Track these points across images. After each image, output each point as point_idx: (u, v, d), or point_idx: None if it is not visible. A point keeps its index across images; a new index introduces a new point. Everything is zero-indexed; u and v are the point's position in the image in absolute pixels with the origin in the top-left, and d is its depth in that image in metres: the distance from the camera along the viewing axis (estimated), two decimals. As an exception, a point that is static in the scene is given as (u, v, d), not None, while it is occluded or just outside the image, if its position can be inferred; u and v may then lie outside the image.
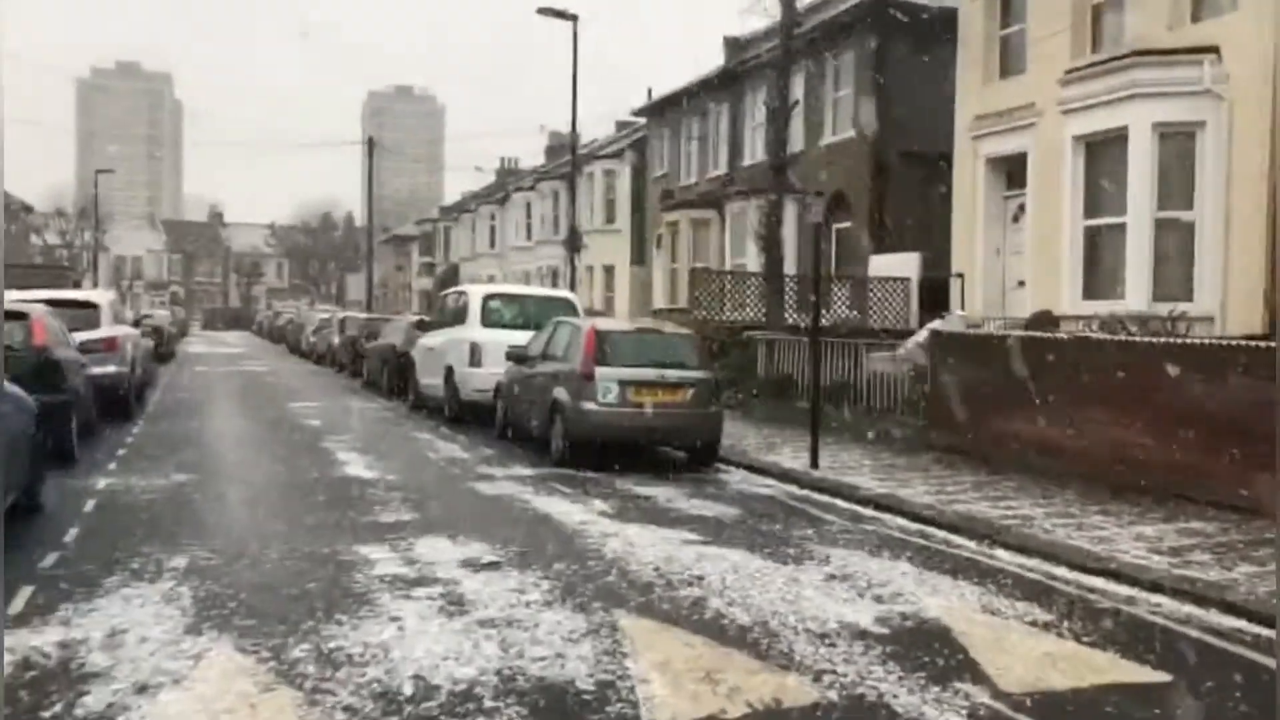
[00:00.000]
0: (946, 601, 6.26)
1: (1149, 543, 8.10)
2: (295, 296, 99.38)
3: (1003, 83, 19.47)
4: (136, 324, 19.39)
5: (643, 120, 37.84)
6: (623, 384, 11.89)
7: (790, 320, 21.09)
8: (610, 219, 38.46)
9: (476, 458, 12.77)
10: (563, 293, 18.50)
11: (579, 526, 8.41)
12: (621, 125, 45.73)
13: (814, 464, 11.89)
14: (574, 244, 37.71)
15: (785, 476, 11.58)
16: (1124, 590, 6.87)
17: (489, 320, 16.52)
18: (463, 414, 16.40)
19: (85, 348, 13.80)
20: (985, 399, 12.33)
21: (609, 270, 38.48)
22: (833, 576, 6.76)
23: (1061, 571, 7.39)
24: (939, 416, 13.17)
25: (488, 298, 16.83)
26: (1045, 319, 16.72)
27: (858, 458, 12.72)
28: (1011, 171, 19.51)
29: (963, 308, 20.03)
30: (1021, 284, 19.28)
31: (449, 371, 16.79)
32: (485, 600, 6.00)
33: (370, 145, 45.16)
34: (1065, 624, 5.94)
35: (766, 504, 10.04)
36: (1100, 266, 16.62)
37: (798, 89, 26.61)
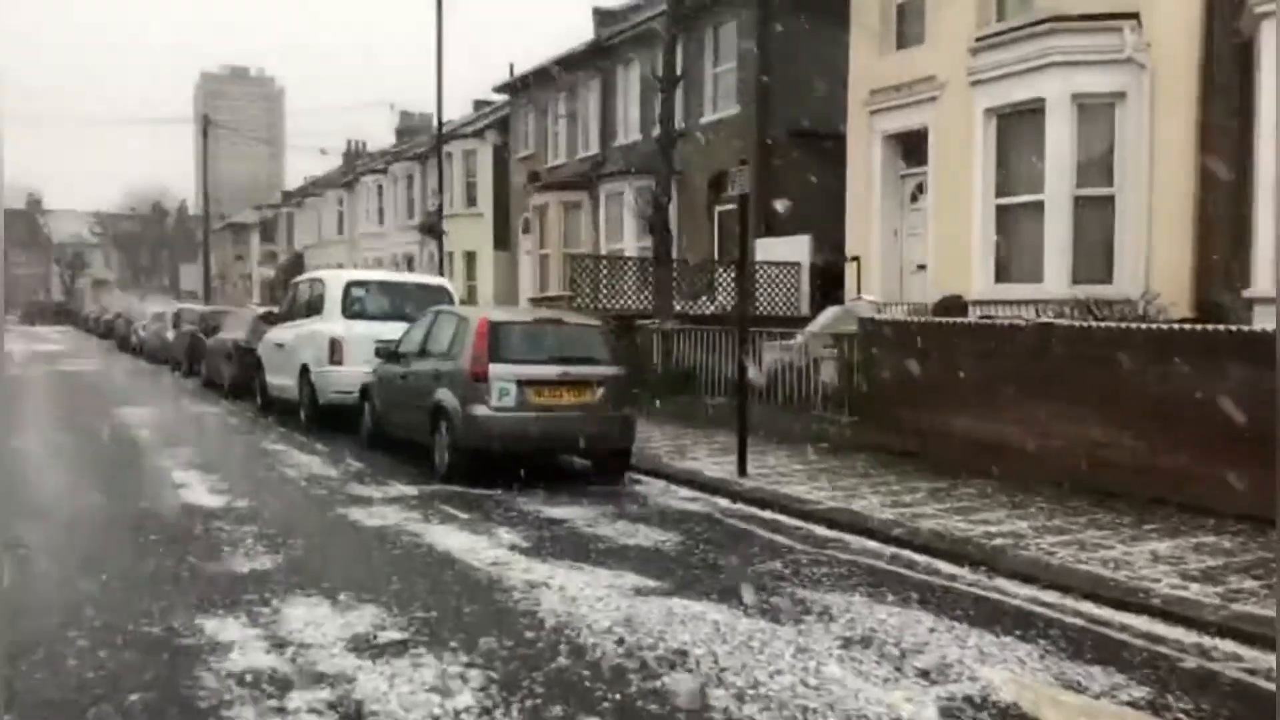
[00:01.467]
0: (1009, 672, 4.78)
1: (1170, 564, 6.85)
2: (125, 289, 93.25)
3: (900, 54, 18.36)
4: (-75, 320, 16.46)
5: (504, 98, 35.80)
6: (521, 384, 10.12)
7: (679, 308, 19.65)
8: (471, 202, 36.29)
9: (345, 474, 10.79)
10: (436, 279, 16.51)
11: (494, 571, 6.64)
12: (480, 105, 43.51)
13: (742, 471, 10.38)
14: (435, 228, 35.44)
15: (712, 487, 10.03)
16: (1188, 636, 5.55)
17: (351, 311, 14.44)
18: (322, 419, 14.31)
19: None
20: (927, 393, 11.06)
21: (471, 256, 36.33)
22: (849, 640, 5.19)
23: (1091, 609, 6.04)
24: (870, 412, 11.85)
25: (350, 285, 14.71)
26: (954, 304, 15.69)
27: (785, 461, 11.28)
28: (909, 148, 18.45)
29: (859, 292, 18.94)
30: (922, 267, 18.27)
31: (304, 371, 14.66)
32: (396, 711, 4.20)
33: (205, 125, 41.72)
34: (1170, 700, 4.53)
35: (705, 525, 8.46)
36: (1014, 248, 15.65)
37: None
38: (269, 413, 16.43)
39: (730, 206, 23.89)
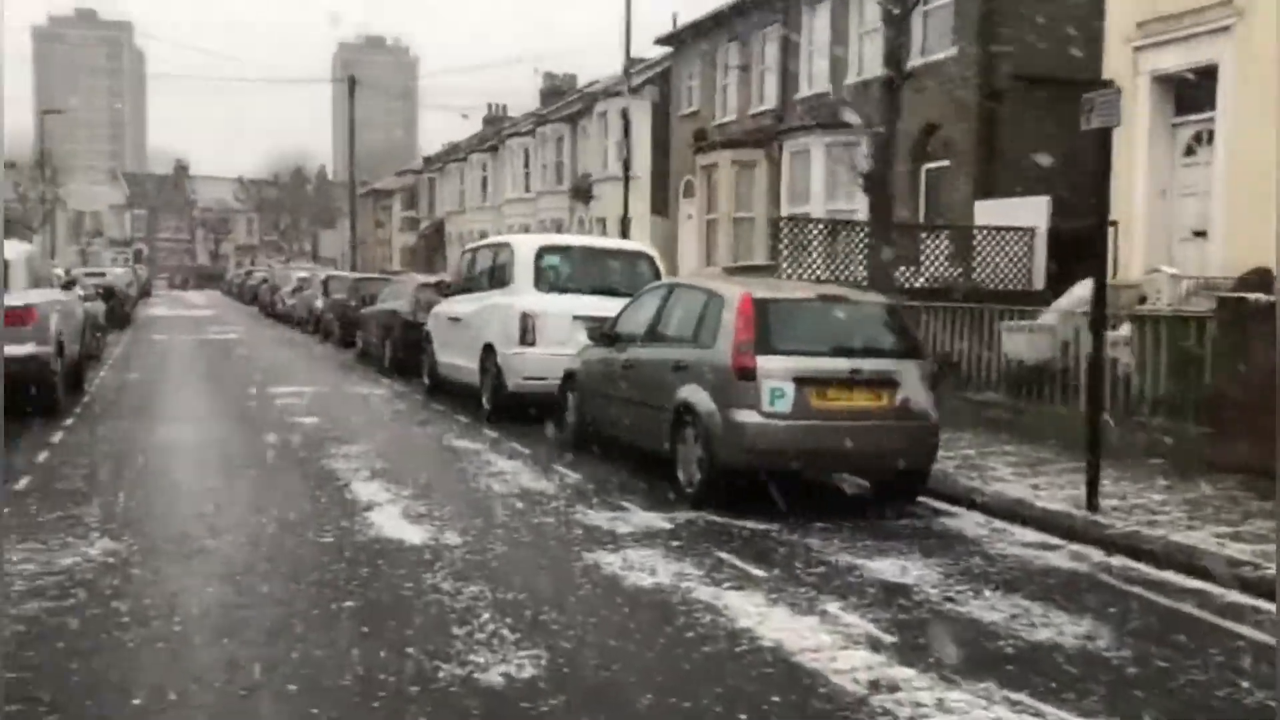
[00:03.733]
0: None
1: None
2: (266, 254, 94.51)
3: (1180, -23, 15.21)
4: (69, 286, 14.90)
5: (663, 52, 33.28)
6: (801, 383, 7.65)
7: (899, 281, 16.98)
8: (626, 165, 33.92)
9: (563, 490, 8.52)
10: (637, 245, 14.10)
11: (893, 705, 4.21)
12: (632, 62, 41.09)
13: (1092, 504, 7.74)
14: (586, 192, 33.46)
15: (1059, 526, 7.42)
16: None
17: (544, 282, 12.19)
18: (508, 408, 12.16)
19: (-25, 324, 9.42)
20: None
21: (625, 223, 34.00)
22: None
23: None
24: (1236, 423, 9.02)
25: (543, 251, 12.44)
26: (1261, 279, 12.62)
27: (1130, 487, 8.55)
28: (1186, 91, 15.31)
29: (1114, 262, 15.94)
30: (1200, 234, 15.18)
31: (488, 352, 12.48)
32: None
33: (351, 85, 40.34)
34: None
35: (1113, 601, 5.86)
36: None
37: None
38: (439, 395, 14.41)
39: (943, 163, 21.01)
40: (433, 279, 18.53)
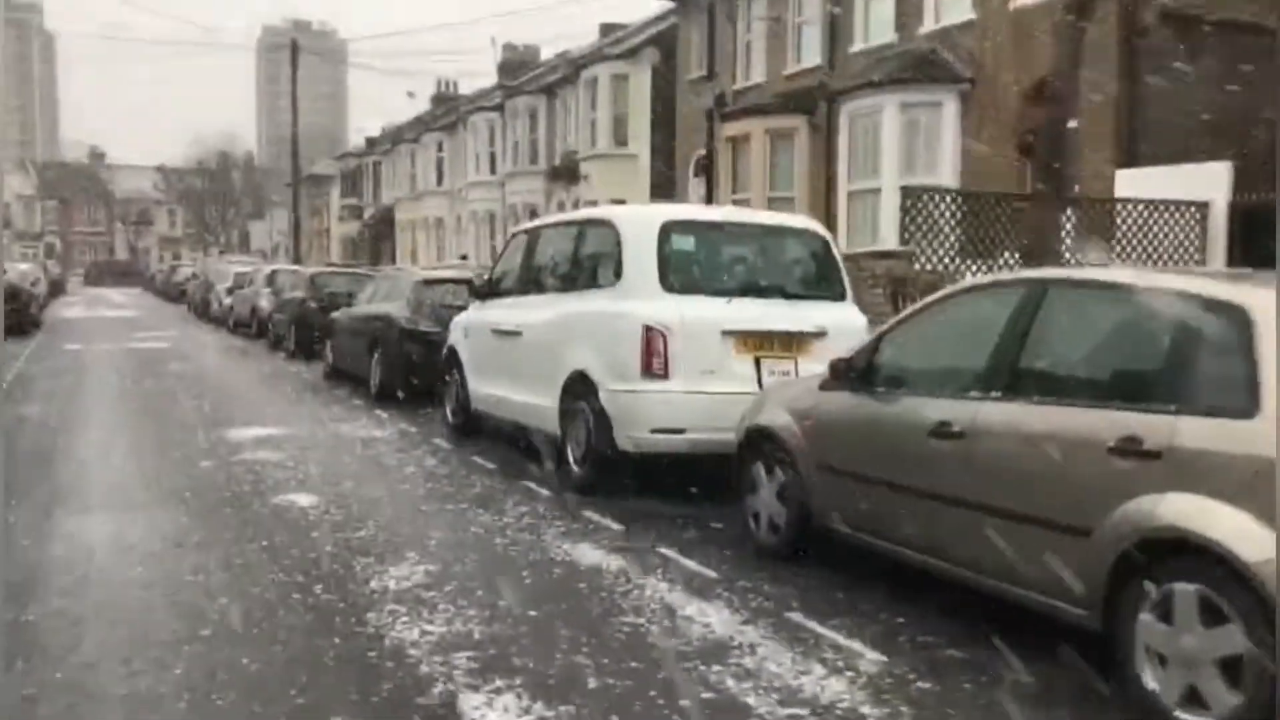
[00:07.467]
0: None
1: None
2: (191, 247, 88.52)
3: None
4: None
5: (660, 10, 28.95)
6: None
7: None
8: (621, 140, 29.62)
9: (882, 701, 4.23)
10: (801, 220, 9.45)
11: None
12: (608, 29, 36.73)
13: None
14: (569, 172, 29.13)
15: None
16: None
17: (673, 278, 7.79)
18: (611, 472, 7.82)
19: None
20: None
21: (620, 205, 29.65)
22: None
23: None
24: None
25: (669, 229, 7.93)
26: None
27: None
28: None
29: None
30: None
31: (577, 386, 8.07)
32: None
33: (294, 51, 35.33)
34: None
35: None
36: None
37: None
38: (476, 442, 10.04)
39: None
40: (437, 274, 14.05)
